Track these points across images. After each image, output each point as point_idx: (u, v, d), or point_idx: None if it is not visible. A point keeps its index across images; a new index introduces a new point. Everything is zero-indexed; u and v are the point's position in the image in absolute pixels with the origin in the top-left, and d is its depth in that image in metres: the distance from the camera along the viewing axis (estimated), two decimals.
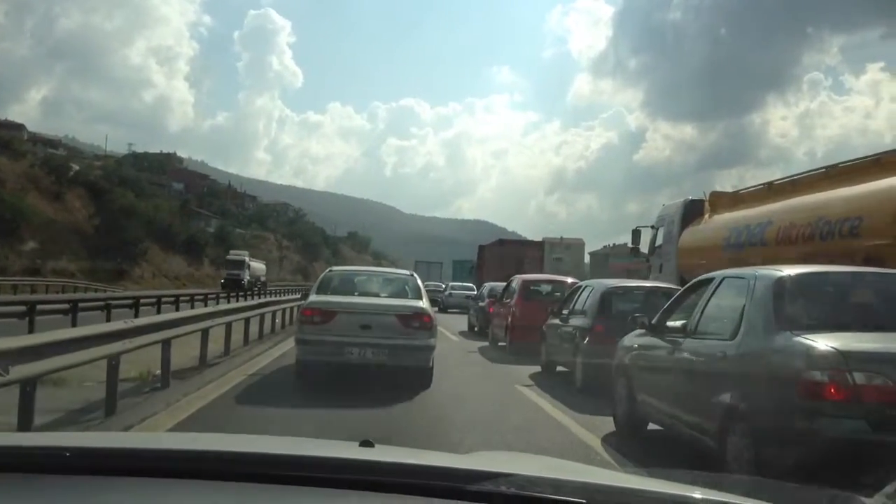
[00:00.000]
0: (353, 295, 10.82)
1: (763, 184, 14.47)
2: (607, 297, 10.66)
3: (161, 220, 66.25)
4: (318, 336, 9.80)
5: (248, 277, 59.44)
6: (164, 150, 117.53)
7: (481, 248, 51.08)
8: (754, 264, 13.20)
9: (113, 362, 7.49)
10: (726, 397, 5.08)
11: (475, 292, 28.73)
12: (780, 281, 5.32)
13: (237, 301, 27.44)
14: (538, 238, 65.83)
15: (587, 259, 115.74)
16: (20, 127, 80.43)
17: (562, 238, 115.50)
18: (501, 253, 43.49)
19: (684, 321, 6.25)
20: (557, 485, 1.51)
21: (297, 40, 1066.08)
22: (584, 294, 11.30)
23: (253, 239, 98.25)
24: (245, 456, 1.63)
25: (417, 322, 9.91)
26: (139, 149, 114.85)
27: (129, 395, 8.28)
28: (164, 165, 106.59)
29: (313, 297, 10.58)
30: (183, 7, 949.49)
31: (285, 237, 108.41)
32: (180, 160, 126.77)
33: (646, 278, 18.44)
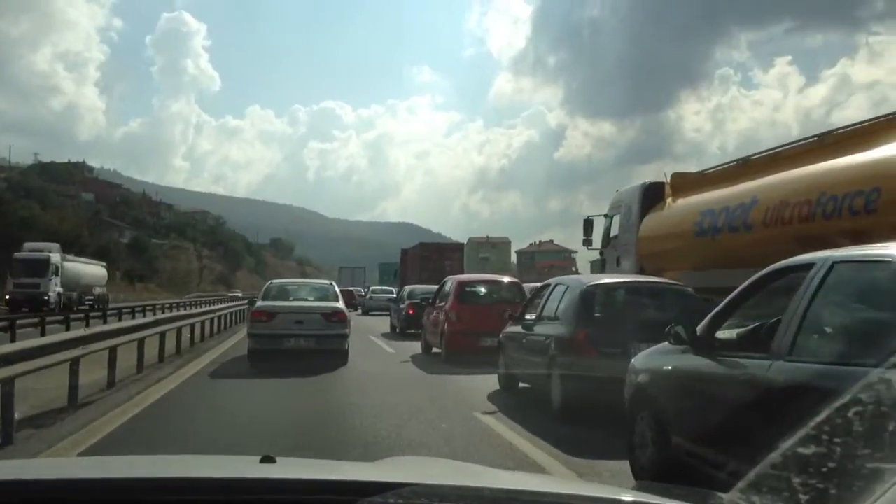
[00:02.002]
0: (289, 300, 14.77)
1: (735, 160, 12.73)
2: (589, 297, 8.34)
3: (66, 232, 61.90)
4: (265, 331, 13.51)
5: (57, 290, 37.38)
6: (73, 160, 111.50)
7: (404, 251, 52.38)
8: (737, 250, 11.68)
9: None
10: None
11: (395, 295, 29.14)
12: None
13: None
14: (464, 238, 65.09)
15: (514, 257, 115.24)
16: None
17: (488, 237, 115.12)
18: (423, 256, 44.27)
19: (769, 335, 4.16)
20: (462, 493, 1.50)
21: (214, 43, 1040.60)
22: (557, 295, 9.00)
23: (171, 249, 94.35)
24: (130, 483, 1.59)
25: (335, 318, 13.72)
26: (46, 159, 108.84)
27: None
28: (72, 175, 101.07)
29: (260, 303, 14.24)
30: (92, 11, 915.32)
31: (205, 246, 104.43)
32: (91, 169, 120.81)
33: (600, 271, 16.64)
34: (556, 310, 8.71)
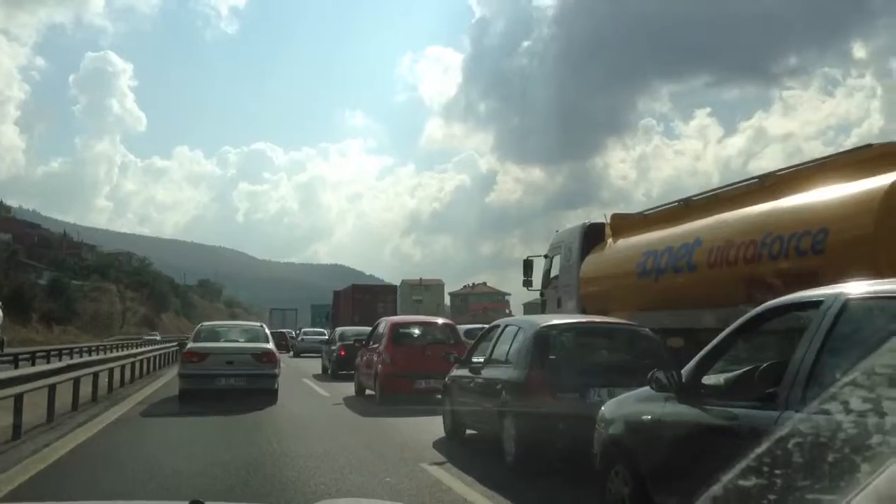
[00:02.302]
0: (220, 342, 15.10)
1: (676, 201, 12.72)
2: (543, 339, 7.84)
3: None
4: (196, 371, 13.90)
5: None
6: None
7: (336, 293, 53.23)
8: (681, 291, 11.58)
9: None
10: None
11: (327, 336, 28.91)
12: None
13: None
14: (396, 280, 65.34)
15: (447, 300, 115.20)
16: None
17: (421, 279, 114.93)
18: (355, 297, 44.80)
19: (766, 381, 3.80)
20: None
21: (140, 83, 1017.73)
22: (507, 336, 8.57)
23: (92, 291, 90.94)
24: None
25: (266, 358, 14.23)
26: None
27: None
28: None
29: (191, 345, 14.68)
30: (13, 50, 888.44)
31: (129, 288, 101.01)
32: (8, 209, 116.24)
33: (540, 312, 16.41)
34: (508, 352, 8.26)
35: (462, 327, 27.58)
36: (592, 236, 14.57)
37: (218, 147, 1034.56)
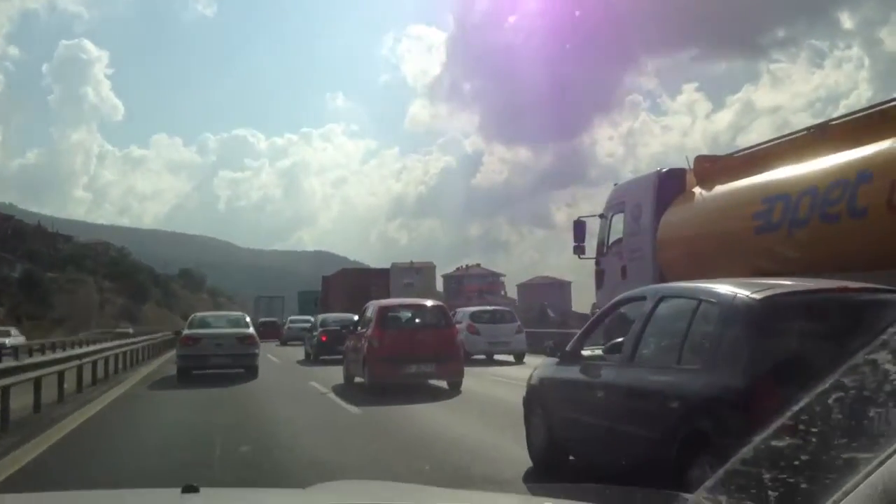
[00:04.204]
0: (210, 327, 18.11)
1: (807, 128, 9.51)
2: (765, 322, 4.54)
3: None
4: (192, 352, 16.95)
5: None
6: None
7: (325, 278, 51.32)
8: (841, 245, 8.45)
9: None
10: None
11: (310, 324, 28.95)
12: None
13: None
14: (385, 265, 62.92)
15: (438, 282, 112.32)
16: None
17: (412, 262, 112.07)
18: (346, 282, 43.28)
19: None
20: None
21: (116, 71, 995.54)
22: (669, 315, 5.48)
23: (68, 283, 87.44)
24: None
25: (248, 340, 17.43)
26: None
27: None
28: None
29: (187, 331, 17.88)
30: None
31: (107, 279, 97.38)
32: None
33: (598, 286, 13.25)
34: (687, 342, 5.01)
35: (462, 310, 25.04)
36: (669, 187, 11.48)
37: (197, 134, 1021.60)
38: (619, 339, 5.90)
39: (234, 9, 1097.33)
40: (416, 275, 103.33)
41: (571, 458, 6.55)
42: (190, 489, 1.75)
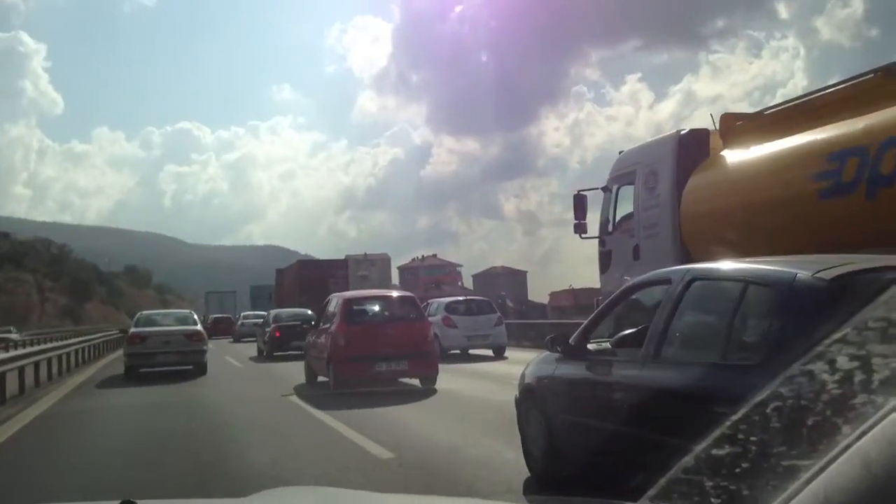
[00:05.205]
0: (157, 325, 17.92)
1: (871, 71, 8.00)
2: (827, 306, 3.36)
3: None
4: (139, 350, 16.74)
5: None
6: None
7: (279, 272, 49.35)
8: None
9: None
10: None
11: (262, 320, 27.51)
12: None
13: None
14: (337, 257, 60.79)
15: (394, 274, 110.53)
16: None
17: (366, 255, 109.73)
18: (302, 275, 40.95)
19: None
20: None
21: (55, 64, 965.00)
22: (702, 300, 4.71)
23: (6, 282, 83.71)
24: None
25: (196, 337, 17.20)
26: None
27: None
28: None
29: (134, 329, 17.71)
30: None
31: (48, 277, 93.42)
32: None
33: (605, 267, 11.65)
34: (732, 334, 4.17)
35: (441, 301, 23.46)
36: (691, 150, 9.97)
37: (140, 128, 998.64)
38: (631, 331, 5.20)
39: None
40: (371, 267, 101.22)
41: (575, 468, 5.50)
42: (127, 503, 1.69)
